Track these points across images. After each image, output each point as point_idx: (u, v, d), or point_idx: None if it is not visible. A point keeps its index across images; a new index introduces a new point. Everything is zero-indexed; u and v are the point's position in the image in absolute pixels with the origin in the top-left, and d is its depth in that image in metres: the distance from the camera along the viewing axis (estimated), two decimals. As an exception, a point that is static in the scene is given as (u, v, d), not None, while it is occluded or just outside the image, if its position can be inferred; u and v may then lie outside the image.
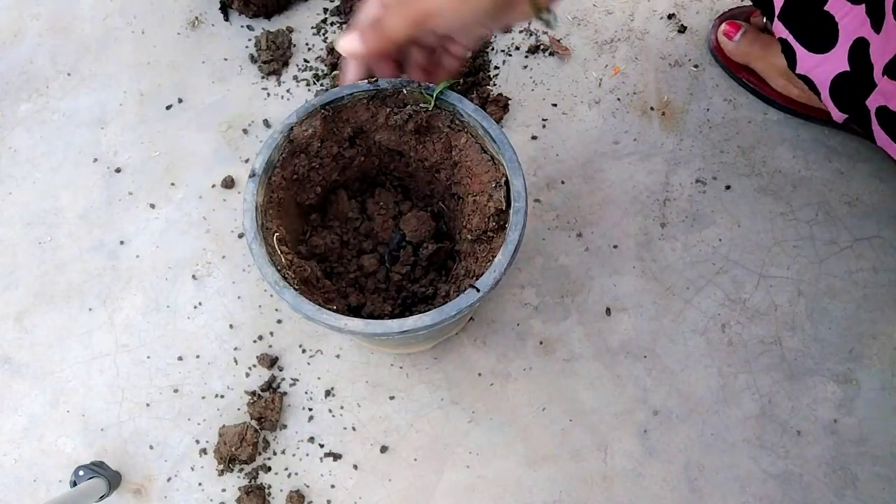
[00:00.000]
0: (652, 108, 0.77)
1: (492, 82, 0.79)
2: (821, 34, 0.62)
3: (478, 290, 0.48)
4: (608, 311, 0.70)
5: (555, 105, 0.78)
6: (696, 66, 0.78)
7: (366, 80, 0.54)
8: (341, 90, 0.54)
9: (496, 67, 0.80)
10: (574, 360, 0.68)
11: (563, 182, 0.74)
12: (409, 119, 0.55)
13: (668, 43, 0.80)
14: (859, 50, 0.59)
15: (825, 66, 0.63)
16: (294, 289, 0.49)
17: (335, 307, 0.52)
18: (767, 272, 0.70)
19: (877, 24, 0.56)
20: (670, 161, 0.74)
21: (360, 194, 0.65)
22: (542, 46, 0.80)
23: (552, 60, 0.80)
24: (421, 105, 0.55)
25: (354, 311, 0.58)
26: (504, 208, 0.52)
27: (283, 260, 0.51)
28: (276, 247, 0.52)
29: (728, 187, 0.73)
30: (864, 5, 0.57)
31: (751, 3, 0.79)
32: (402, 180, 0.65)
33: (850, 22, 0.59)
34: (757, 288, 0.70)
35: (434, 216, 0.64)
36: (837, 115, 0.66)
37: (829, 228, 0.71)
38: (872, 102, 0.61)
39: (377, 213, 0.64)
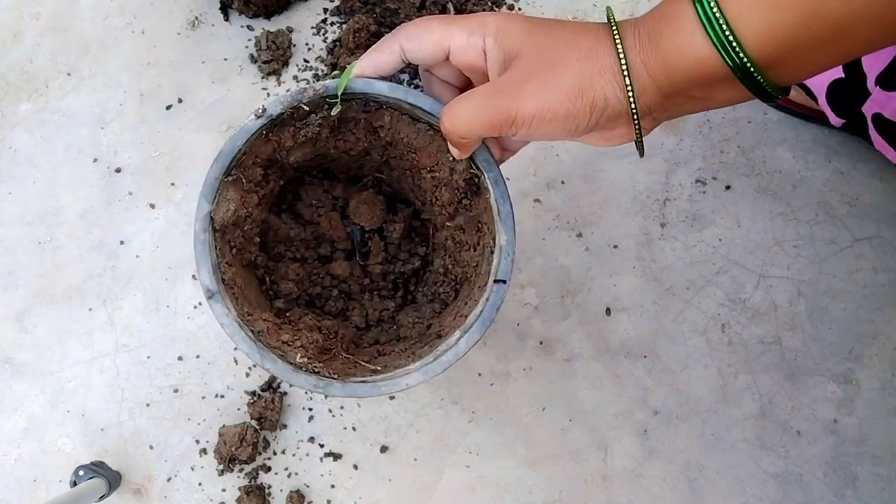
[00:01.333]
0: (652, 108, 0.77)
1: (492, 82, 0.79)
2: None
3: (504, 282, 0.44)
4: (608, 311, 0.70)
5: (555, 105, 0.78)
6: (696, 66, 0.78)
7: (253, 115, 0.46)
8: (233, 142, 0.46)
9: (496, 67, 0.80)
10: (574, 360, 0.68)
11: (563, 182, 0.74)
12: (319, 128, 0.48)
13: (668, 43, 0.80)
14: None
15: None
16: (334, 378, 0.44)
17: (346, 346, 0.48)
18: (767, 272, 0.70)
19: None
20: (670, 161, 0.74)
21: (284, 203, 0.58)
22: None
23: (552, 60, 0.80)
24: (331, 110, 0.47)
25: (365, 327, 0.55)
26: (473, 176, 0.46)
27: (297, 355, 0.46)
28: (281, 349, 0.46)
29: (728, 187, 0.73)
30: None
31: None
32: (319, 167, 0.58)
33: None
34: (757, 288, 0.70)
35: (376, 189, 0.58)
36: (835, 120, 0.67)
37: (829, 228, 0.71)
38: (868, 109, 0.61)
39: (315, 215, 0.58)
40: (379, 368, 0.47)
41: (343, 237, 0.58)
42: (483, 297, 0.45)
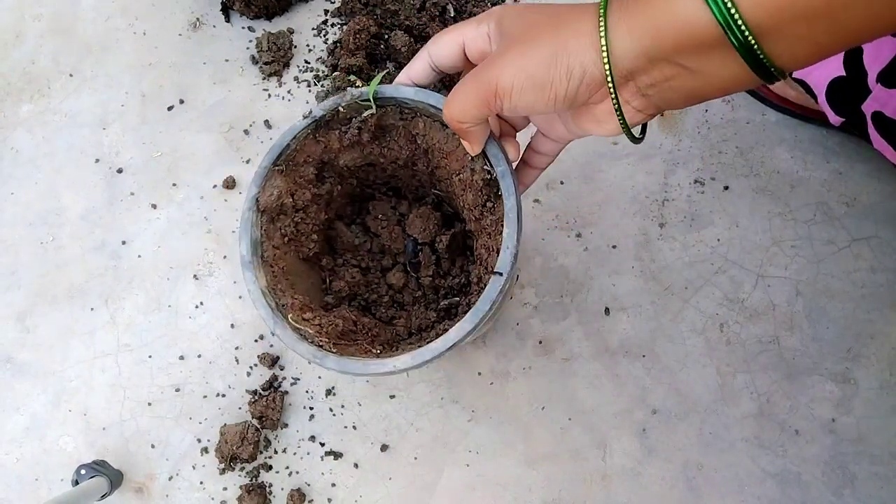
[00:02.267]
0: (651, 109, 0.77)
1: (491, 83, 0.79)
2: None
3: (501, 274, 0.46)
4: (607, 310, 0.70)
5: (554, 106, 0.78)
6: (694, 67, 0.79)
7: (301, 116, 0.52)
8: (283, 138, 0.52)
9: (496, 68, 0.80)
10: (573, 359, 0.69)
11: (562, 182, 0.75)
12: (360, 131, 0.53)
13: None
14: (854, 56, 0.60)
15: (821, 71, 0.64)
16: (332, 352, 0.48)
17: (380, 346, 0.50)
18: (766, 272, 0.71)
19: None
20: (669, 161, 0.75)
21: (357, 216, 0.64)
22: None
23: (552, 61, 0.80)
24: (364, 113, 0.52)
25: (407, 336, 0.58)
26: (490, 177, 0.49)
27: (310, 330, 0.50)
28: (299, 323, 0.50)
29: (726, 188, 0.74)
30: None
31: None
32: (388, 185, 0.64)
33: None
34: (755, 288, 0.70)
35: (434, 206, 0.63)
36: (834, 119, 0.67)
37: (827, 228, 0.72)
38: (868, 108, 0.61)
39: (381, 227, 0.63)
40: (379, 352, 0.49)
41: (402, 250, 0.62)
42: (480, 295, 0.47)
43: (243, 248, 0.51)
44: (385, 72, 0.49)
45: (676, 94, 0.34)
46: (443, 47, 0.43)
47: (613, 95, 0.34)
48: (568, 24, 0.34)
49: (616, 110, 0.35)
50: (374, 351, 0.50)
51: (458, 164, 0.52)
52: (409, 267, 0.61)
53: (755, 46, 0.29)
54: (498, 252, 0.47)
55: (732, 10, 0.28)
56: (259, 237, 0.52)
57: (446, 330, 0.49)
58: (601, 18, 0.32)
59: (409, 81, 0.48)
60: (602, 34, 0.32)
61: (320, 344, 0.48)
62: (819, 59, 0.31)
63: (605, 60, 0.33)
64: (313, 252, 0.57)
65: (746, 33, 0.29)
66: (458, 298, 0.59)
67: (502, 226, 0.47)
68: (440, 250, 0.60)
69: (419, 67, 0.46)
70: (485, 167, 0.48)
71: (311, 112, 0.51)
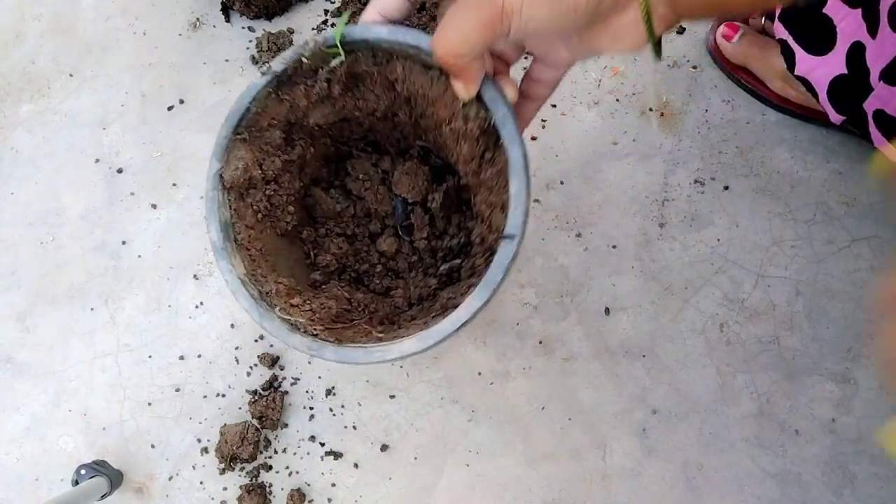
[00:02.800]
0: (651, 109, 0.77)
1: (491, 83, 0.79)
2: (819, 36, 0.62)
3: (512, 238, 0.39)
4: (607, 310, 0.70)
5: (554, 106, 0.78)
6: (694, 68, 0.79)
7: (259, 73, 0.45)
8: (240, 101, 0.45)
9: (496, 68, 0.80)
10: (573, 359, 0.69)
11: (562, 182, 0.75)
12: (329, 83, 0.45)
13: (666, 44, 0.80)
14: (856, 53, 0.60)
15: (823, 69, 0.64)
16: (329, 341, 0.43)
17: (379, 322, 0.46)
18: (766, 272, 0.71)
19: (872, 30, 0.57)
20: (669, 161, 0.75)
21: (335, 179, 0.56)
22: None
23: (552, 61, 0.80)
24: (332, 62, 0.44)
25: (407, 307, 0.52)
26: (488, 124, 0.42)
27: (301, 318, 0.45)
28: (288, 312, 0.45)
29: (726, 188, 0.74)
30: (860, 9, 0.58)
31: (749, 5, 0.79)
32: (365, 140, 0.55)
33: (848, 25, 0.60)
34: (755, 288, 0.70)
35: (421, 159, 0.56)
36: (835, 118, 0.67)
37: (827, 228, 0.72)
38: (869, 106, 0.61)
39: (363, 189, 0.56)
40: (382, 336, 0.44)
41: (390, 212, 0.55)
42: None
43: (213, 233, 0.45)
44: (350, 12, 0.42)
45: (698, 11, 0.31)
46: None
47: (644, 7, 0.31)
48: None
49: (645, 18, 0.31)
50: (374, 332, 0.45)
51: (446, 111, 0.45)
52: (400, 230, 0.55)
53: None
54: (503, 209, 0.41)
55: None
56: (229, 218, 0.46)
57: (451, 299, 0.43)
58: None
59: (380, 18, 0.41)
60: None
61: (315, 333, 0.43)
62: None
63: None
64: (292, 225, 0.51)
65: None
66: (458, 261, 0.53)
67: (506, 179, 0.41)
68: (433, 209, 0.54)
69: (393, 2, 0.40)
70: (480, 113, 0.42)
71: (269, 67, 0.44)
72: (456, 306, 0.41)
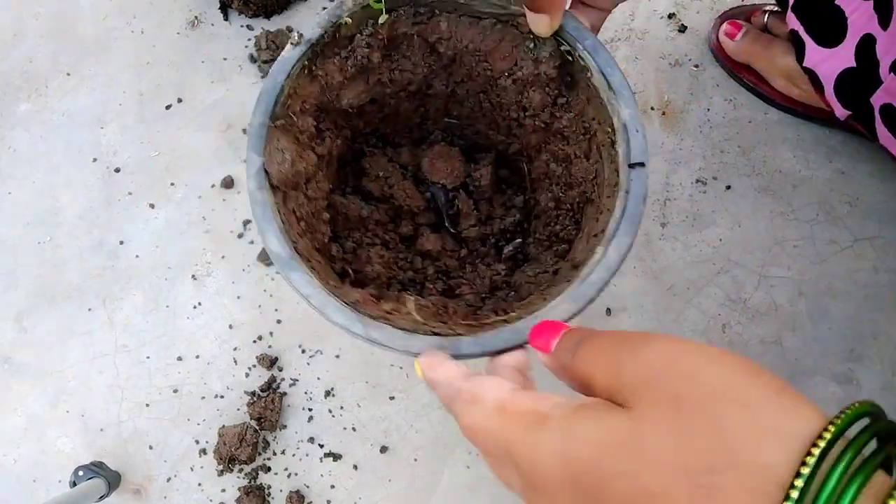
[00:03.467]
0: (652, 108, 0.77)
1: (492, 82, 0.79)
2: (830, 28, 0.62)
3: (643, 165, 0.36)
4: (608, 311, 0.70)
5: (555, 105, 0.78)
6: (696, 66, 0.78)
7: (290, 44, 0.39)
8: (274, 80, 0.38)
9: (496, 67, 0.79)
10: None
11: (563, 182, 0.74)
12: (370, 49, 0.40)
13: (668, 42, 0.80)
14: (866, 46, 0.59)
15: (832, 61, 0.63)
16: (458, 333, 0.36)
17: (464, 321, 0.39)
18: (768, 272, 0.70)
19: (884, 21, 0.56)
20: (670, 161, 0.74)
21: (348, 185, 0.51)
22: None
23: (552, 60, 0.80)
24: (370, 23, 0.40)
25: (480, 303, 0.45)
26: (565, 55, 0.38)
27: (406, 321, 0.38)
28: (384, 316, 0.37)
29: (728, 187, 0.73)
30: (871, 1, 0.57)
31: (751, 3, 0.79)
32: (376, 134, 0.51)
33: (859, 17, 0.59)
34: (757, 288, 0.70)
35: (447, 140, 0.50)
36: (840, 112, 0.66)
37: (829, 228, 0.71)
38: (877, 100, 0.61)
39: (386, 188, 0.50)
40: (513, 315, 0.38)
41: (423, 207, 0.49)
42: (619, 200, 0.36)
43: (273, 244, 0.35)
44: None
45: None
46: None
47: None
48: None
49: None
50: (474, 324, 0.38)
51: (505, 62, 0.40)
52: (446, 222, 0.49)
53: None
54: (587, 157, 0.37)
55: None
56: (282, 224, 0.37)
57: (577, 266, 0.37)
58: None
59: None
60: None
61: (434, 331, 0.36)
62: None
63: None
64: (327, 238, 0.44)
65: None
66: (519, 240, 0.48)
67: (585, 122, 0.37)
68: (480, 189, 0.48)
69: None
70: (560, 46, 0.38)
71: (300, 36, 0.38)
72: (578, 265, 0.36)
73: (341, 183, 0.50)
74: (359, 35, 0.40)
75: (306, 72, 0.40)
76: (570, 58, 0.38)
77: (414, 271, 0.48)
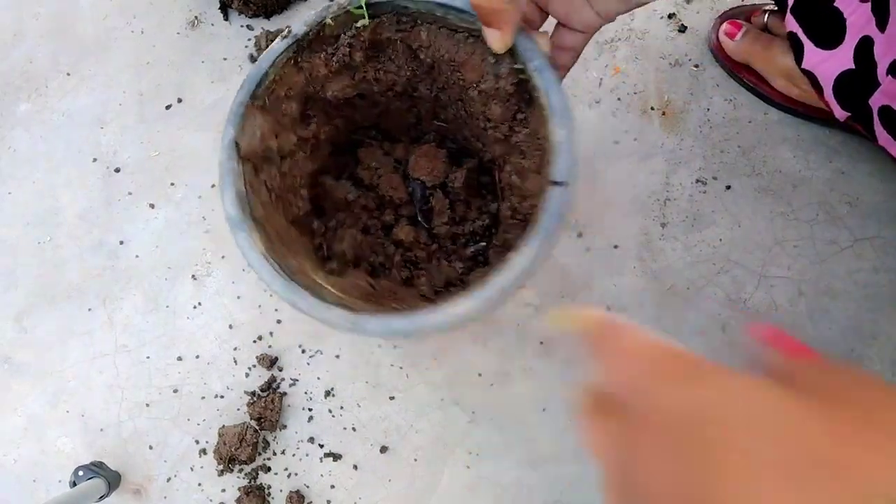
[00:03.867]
0: (652, 108, 0.77)
1: (492, 82, 0.79)
2: (829, 30, 0.62)
3: (562, 184, 0.38)
4: (608, 310, 0.70)
5: (555, 105, 0.78)
6: (696, 66, 0.78)
7: (279, 37, 0.43)
8: (259, 66, 0.43)
9: (496, 67, 0.79)
10: (574, 360, 0.68)
11: (563, 182, 0.74)
12: (352, 49, 0.43)
13: (668, 42, 0.80)
14: (864, 48, 0.59)
15: (831, 63, 0.63)
16: (371, 312, 0.38)
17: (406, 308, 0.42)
18: (768, 272, 0.70)
19: (881, 23, 0.56)
20: (671, 161, 0.74)
21: (343, 171, 0.55)
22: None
23: (552, 60, 0.80)
24: (356, 25, 0.43)
25: (433, 295, 0.49)
26: (520, 79, 0.40)
27: (333, 291, 0.41)
28: (313, 286, 0.41)
29: (728, 187, 0.73)
30: (869, 2, 0.57)
31: (751, 3, 0.79)
32: (376, 127, 0.54)
33: (858, 19, 0.59)
34: (757, 288, 0.70)
35: (438, 142, 0.54)
36: (839, 113, 0.66)
37: (829, 228, 0.71)
38: (875, 102, 0.61)
39: (376, 178, 0.54)
40: (427, 304, 0.40)
41: (406, 199, 0.53)
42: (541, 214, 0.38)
43: (229, 205, 0.40)
44: None
45: None
46: None
47: None
48: None
49: None
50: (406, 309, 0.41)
51: (475, 73, 0.43)
52: (419, 215, 0.53)
53: None
54: (539, 172, 0.39)
55: None
56: (244, 191, 0.42)
57: (484, 275, 0.39)
58: None
59: None
60: None
61: (351, 307, 0.39)
62: None
63: None
64: (303, 212, 0.48)
65: None
66: (484, 243, 0.51)
67: (539, 139, 0.40)
68: (455, 190, 0.52)
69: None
70: (515, 66, 0.40)
71: (289, 30, 0.42)
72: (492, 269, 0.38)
73: (337, 167, 0.53)
74: (343, 35, 0.43)
75: (292, 63, 0.44)
76: (523, 75, 0.40)
77: (385, 256, 0.52)
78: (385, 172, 0.53)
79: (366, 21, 0.42)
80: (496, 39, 0.38)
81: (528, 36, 0.39)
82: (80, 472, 0.63)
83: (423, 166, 0.52)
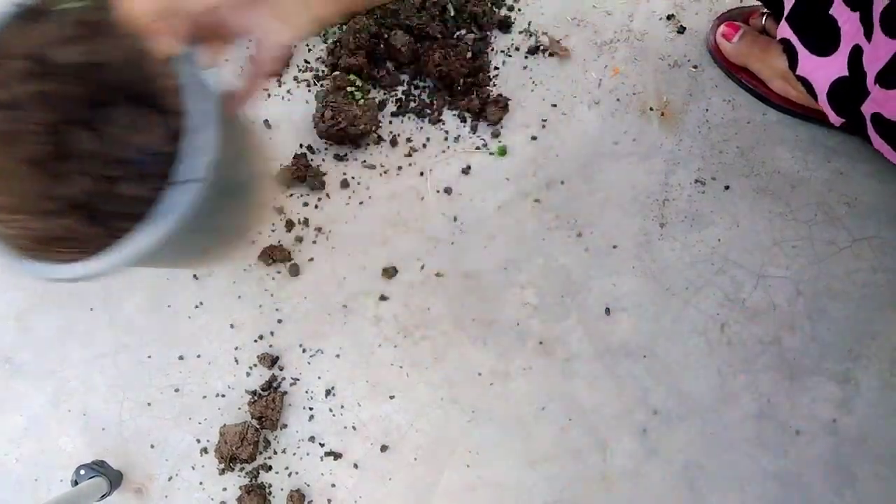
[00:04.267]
0: (651, 109, 0.77)
1: (492, 83, 0.79)
2: (824, 38, 0.62)
3: (185, 183, 0.41)
4: (608, 310, 0.70)
5: (554, 105, 0.78)
6: (695, 67, 0.79)
7: (13, 4, 0.45)
8: None
9: (496, 68, 0.80)
10: (574, 359, 0.69)
11: (562, 182, 0.75)
12: (78, 25, 0.47)
13: (667, 44, 0.80)
14: (856, 56, 0.60)
15: (825, 70, 0.63)
16: (29, 257, 0.44)
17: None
18: (766, 272, 0.71)
19: (868, 33, 0.57)
20: (669, 161, 0.75)
21: (93, 121, 0.56)
22: (541, 47, 0.80)
23: (552, 61, 0.80)
24: (76, 4, 0.46)
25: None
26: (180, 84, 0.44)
27: (10, 231, 0.46)
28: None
29: (727, 187, 0.73)
30: (858, 13, 0.58)
31: (750, 5, 0.79)
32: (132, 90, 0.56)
33: (850, 28, 0.60)
34: (756, 288, 0.70)
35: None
36: (835, 119, 0.67)
37: (827, 229, 0.72)
38: (867, 109, 0.61)
39: (117, 135, 0.57)
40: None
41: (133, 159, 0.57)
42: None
43: None
44: None
45: None
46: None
47: None
48: None
49: None
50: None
51: (159, 67, 0.47)
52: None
53: None
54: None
55: None
56: None
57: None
58: None
59: None
60: None
61: (20, 246, 0.44)
62: None
63: None
64: (35, 156, 0.51)
65: None
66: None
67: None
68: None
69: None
70: (176, 72, 0.43)
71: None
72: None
73: (90, 119, 0.55)
74: (71, 10, 0.46)
75: (21, 27, 0.46)
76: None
77: (115, 207, 0.54)
78: (125, 132, 0.56)
79: (83, 3, 0.45)
80: (152, 48, 0.41)
81: (192, 49, 0.42)
82: (82, 471, 0.63)
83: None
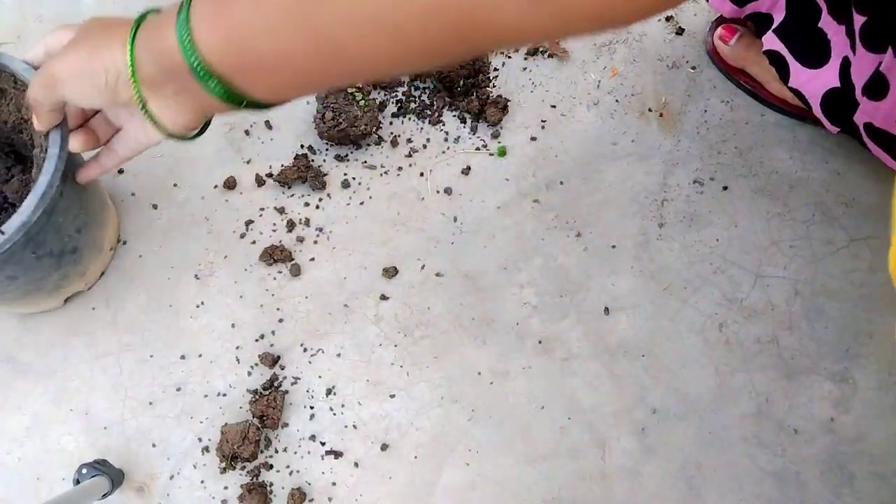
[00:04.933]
0: (650, 110, 0.78)
1: (491, 84, 0.79)
2: (815, 50, 0.63)
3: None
4: (606, 310, 0.70)
5: (553, 106, 0.78)
6: (693, 68, 0.79)
7: None
8: None
9: (495, 69, 0.80)
10: (573, 359, 0.69)
11: (561, 183, 0.75)
12: None
13: (665, 45, 0.81)
14: (845, 68, 0.61)
15: (817, 82, 0.64)
16: None
17: None
18: (764, 272, 0.71)
19: (853, 46, 0.57)
20: (668, 162, 0.75)
21: None
22: (540, 48, 0.81)
23: (551, 62, 0.81)
24: None
25: None
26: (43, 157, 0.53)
27: None
28: None
29: (725, 188, 0.74)
30: (844, 26, 0.59)
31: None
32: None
33: (839, 41, 0.60)
34: (754, 288, 0.70)
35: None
36: (830, 128, 0.68)
37: (825, 228, 0.72)
38: (859, 119, 0.62)
39: None
40: None
41: None
42: None
43: None
44: None
45: (192, 104, 0.40)
46: (55, 39, 0.51)
47: (137, 93, 0.40)
48: (109, 34, 0.41)
49: (140, 105, 0.41)
50: None
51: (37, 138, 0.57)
52: None
53: (212, 84, 0.35)
54: None
55: (193, 58, 0.35)
56: None
57: None
58: (132, 31, 0.40)
59: (41, 56, 0.53)
60: (129, 43, 0.39)
61: None
62: (306, 93, 0.40)
63: (130, 65, 0.39)
64: None
65: (209, 74, 0.35)
66: None
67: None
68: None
69: (40, 51, 0.53)
70: (45, 145, 0.53)
71: None
72: None
73: None
74: None
75: None
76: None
77: None
78: None
79: None
80: (35, 124, 0.51)
81: (64, 129, 0.52)
82: (84, 470, 0.64)
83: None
